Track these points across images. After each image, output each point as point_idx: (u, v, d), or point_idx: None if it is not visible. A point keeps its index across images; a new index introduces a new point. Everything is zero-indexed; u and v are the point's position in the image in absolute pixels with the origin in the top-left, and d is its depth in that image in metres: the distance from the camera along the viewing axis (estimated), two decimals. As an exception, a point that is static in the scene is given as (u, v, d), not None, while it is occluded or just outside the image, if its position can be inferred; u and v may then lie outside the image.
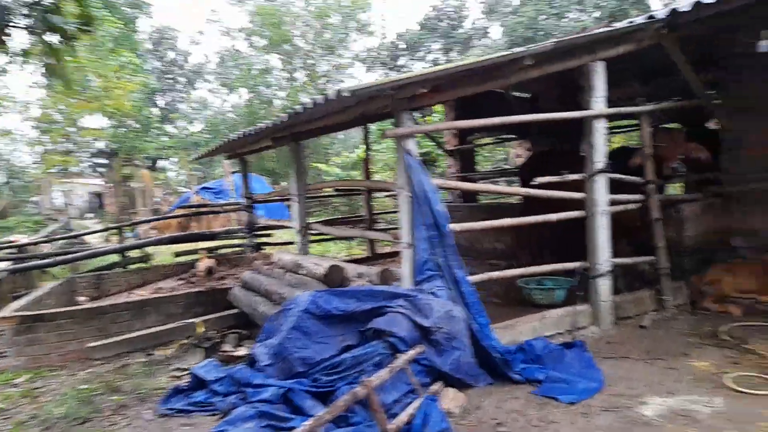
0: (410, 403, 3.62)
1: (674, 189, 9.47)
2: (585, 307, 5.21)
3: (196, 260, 7.80)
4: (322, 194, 13.50)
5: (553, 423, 3.49)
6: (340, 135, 26.61)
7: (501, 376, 4.16)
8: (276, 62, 26.06)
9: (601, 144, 4.98)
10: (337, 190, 10.71)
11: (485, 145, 12.27)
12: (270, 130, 5.15)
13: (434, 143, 10.64)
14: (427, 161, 15.36)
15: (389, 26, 51.93)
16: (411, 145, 4.25)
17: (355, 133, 21.15)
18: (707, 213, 6.03)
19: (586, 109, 4.94)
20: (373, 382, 3.39)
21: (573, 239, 5.62)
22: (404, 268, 4.43)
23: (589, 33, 4.61)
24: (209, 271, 7.24)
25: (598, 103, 4.93)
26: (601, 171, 5.01)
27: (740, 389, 3.72)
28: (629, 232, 6.03)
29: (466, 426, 3.56)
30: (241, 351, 5.08)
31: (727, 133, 6.02)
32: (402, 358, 3.71)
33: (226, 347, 5.30)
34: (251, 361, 4.14)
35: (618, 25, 4.94)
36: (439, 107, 11.50)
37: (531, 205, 6.22)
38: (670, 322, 5.31)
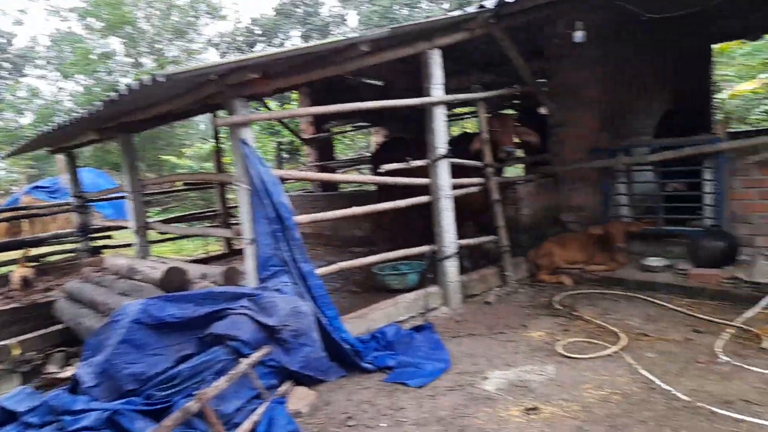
0: (255, 409, 3.42)
1: (517, 171, 10.17)
2: (435, 288, 5.35)
3: (10, 271, 6.82)
4: (176, 189, 12.59)
5: (402, 409, 3.50)
6: (201, 125, 25.10)
7: (354, 367, 4.10)
8: (118, 46, 23.84)
9: (441, 130, 5.10)
10: (186, 184, 10.03)
11: (346, 132, 12.25)
12: (88, 120, 4.57)
13: (290, 132, 10.35)
14: (291, 151, 15.05)
15: (243, 11, 49.94)
16: (246, 134, 3.99)
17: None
18: (540, 192, 6.50)
19: (426, 96, 5.02)
20: (207, 393, 3.14)
21: (430, 223, 5.80)
22: (248, 266, 4.19)
23: (424, 21, 4.66)
24: (25, 282, 6.35)
25: (437, 89, 5.03)
26: (443, 156, 5.14)
27: (569, 355, 4.02)
28: (474, 213, 6.31)
29: (315, 424, 3.44)
30: (69, 371, 4.50)
31: (553, 118, 6.51)
32: (244, 363, 3.48)
33: (51, 369, 4.67)
34: (74, 383, 3.66)
35: (452, 14, 5.06)
36: (295, 95, 11.22)
37: (385, 192, 6.24)
38: (511, 296, 5.64)
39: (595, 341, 4.22)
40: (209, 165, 15.76)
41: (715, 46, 9.27)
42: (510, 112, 7.59)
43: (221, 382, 3.29)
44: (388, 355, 4.18)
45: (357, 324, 4.68)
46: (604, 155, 6.08)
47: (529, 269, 6.14)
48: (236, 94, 3.93)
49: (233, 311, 3.76)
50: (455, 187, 5.42)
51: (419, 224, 6.21)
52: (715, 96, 9.63)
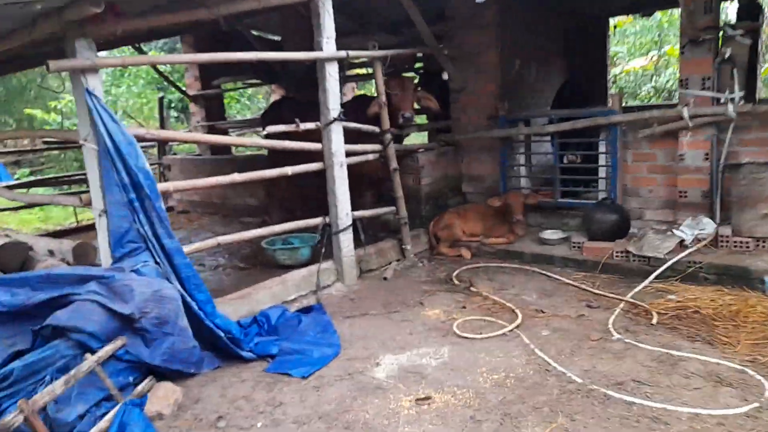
0: (105, 414, 2.88)
1: (422, 139, 9.92)
2: (329, 264, 4.96)
3: None
4: (44, 147, 11.11)
5: (282, 405, 3.11)
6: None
7: (232, 356, 3.64)
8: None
9: (333, 90, 4.63)
10: (47, 142, 8.82)
11: (237, 90, 11.34)
12: None
13: (173, 86, 9.37)
14: (184, 109, 13.85)
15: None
16: (94, 82, 3.29)
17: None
18: (441, 161, 6.25)
19: (317, 51, 4.50)
20: (37, 401, 2.55)
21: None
22: (100, 241, 3.54)
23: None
24: None
25: (329, 45, 4.53)
26: (336, 120, 4.68)
27: (465, 335, 3.80)
28: (374, 183, 5.95)
29: (179, 428, 2.96)
30: None
31: (454, 83, 6.24)
32: (90, 360, 2.90)
33: None
34: None
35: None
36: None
37: (278, 158, 5.69)
38: (410, 271, 5.38)
39: (492, 319, 4.04)
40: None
41: (611, 22, 9.45)
42: (412, 75, 7.22)
43: (57, 385, 2.70)
44: (272, 341, 3.75)
45: (239, 306, 4.20)
46: (504, 124, 5.91)
47: (430, 242, 5.91)
48: (80, 34, 3.21)
49: (79, 297, 3.14)
50: (350, 153, 5.02)
51: (316, 193, 5.79)
52: (609, 71, 9.89)
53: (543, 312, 4.14)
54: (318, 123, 4.73)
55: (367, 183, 5.95)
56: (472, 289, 4.70)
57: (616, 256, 4.82)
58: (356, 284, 5.01)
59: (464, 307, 4.35)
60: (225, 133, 9.24)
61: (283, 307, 4.13)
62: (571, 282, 4.68)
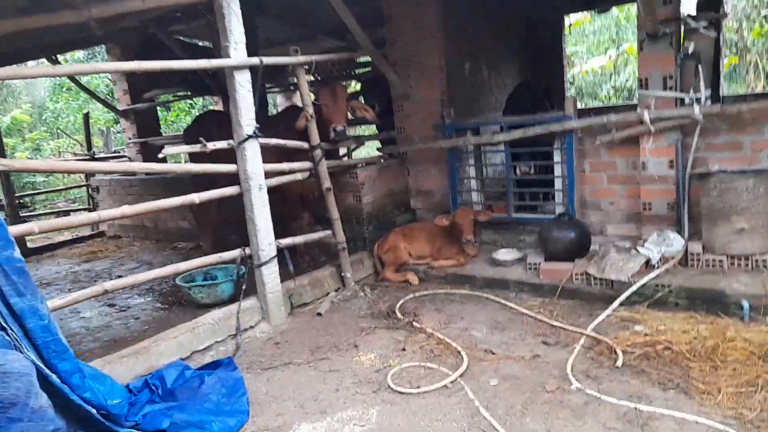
0: None
1: (371, 152, 9.33)
2: (252, 302, 4.31)
3: None
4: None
5: (160, 506, 2.44)
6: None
7: (114, 432, 2.96)
8: None
9: (246, 102, 3.99)
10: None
11: (170, 102, 10.55)
12: None
13: (100, 101, 8.59)
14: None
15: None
16: None
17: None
18: (384, 176, 5.65)
19: (223, 58, 3.86)
20: None
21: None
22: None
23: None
24: None
25: (239, 51, 3.89)
26: (251, 136, 4.04)
27: (400, 390, 3.19)
28: (310, 203, 5.33)
29: None
30: None
31: (396, 89, 5.66)
32: None
33: None
34: None
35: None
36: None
37: (204, 179, 5.00)
38: (350, 303, 4.76)
39: (434, 365, 3.45)
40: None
41: (567, 20, 9.02)
42: (348, 83, 6.63)
43: None
44: (164, 410, 3.07)
45: (135, 363, 3.53)
46: (450, 133, 5.35)
47: (374, 266, 5.30)
48: None
49: None
50: (273, 174, 4.38)
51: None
52: (567, 71, 9.46)
53: (493, 353, 3.56)
54: (231, 141, 4.08)
55: (303, 204, 5.32)
56: (415, 324, 4.10)
57: (576, 279, 4.28)
58: (285, 323, 4.36)
59: (404, 350, 3.74)
60: (160, 149, 8.46)
61: (182, 365, 3.45)
62: (526, 311, 4.11)
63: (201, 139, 3.88)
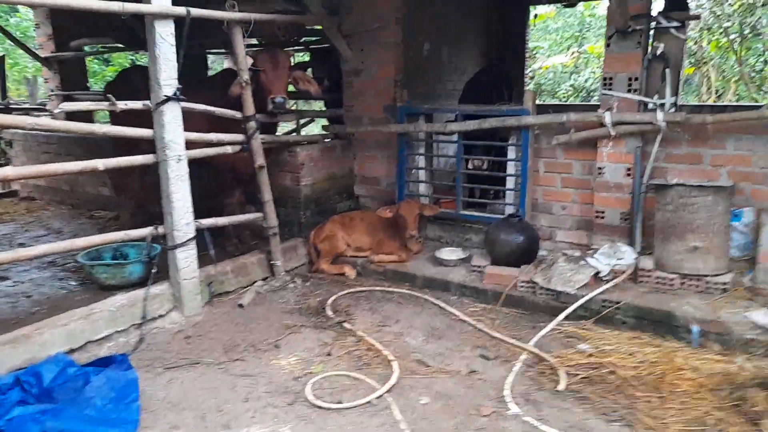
0: None
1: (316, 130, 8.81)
2: (164, 287, 3.81)
3: None
4: None
5: None
6: None
7: (-32, 440, 2.45)
8: None
9: (167, 59, 3.45)
10: None
11: (99, 54, 9.62)
12: None
13: (19, 45, 7.66)
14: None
15: None
16: None
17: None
18: (328, 158, 5.20)
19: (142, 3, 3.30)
20: None
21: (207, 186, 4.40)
22: None
23: None
24: None
25: (162, -5, 3.34)
26: (171, 98, 3.51)
27: (320, 404, 2.81)
28: (244, 179, 4.82)
29: None
30: None
31: (348, 64, 5.20)
32: None
33: None
34: None
35: None
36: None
37: (125, 142, 4.41)
38: (277, 294, 4.32)
39: (361, 376, 3.08)
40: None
41: (533, 11, 8.75)
42: (293, 50, 6.10)
43: None
44: (35, 414, 2.57)
45: (11, 354, 3.01)
46: (403, 117, 4.95)
47: (309, 255, 4.88)
48: None
49: None
50: (197, 144, 3.87)
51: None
52: (528, 65, 9.23)
53: (426, 365, 3.23)
54: (147, 102, 3.53)
55: (236, 180, 4.81)
56: (345, 325, 3.72)
57: (521, 287, 4.01)
58: (200, 314, 3.89)
59: (329, 354, 3.36)
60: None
61: (65, 360, 2.94)
62: (466, 319, 3.81)
63: (109, 96, 3.31)
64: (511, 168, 4.70)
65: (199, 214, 3.91)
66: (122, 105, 3.39)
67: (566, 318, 3.69)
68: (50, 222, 6.14)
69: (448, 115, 5.08)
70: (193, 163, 4.02)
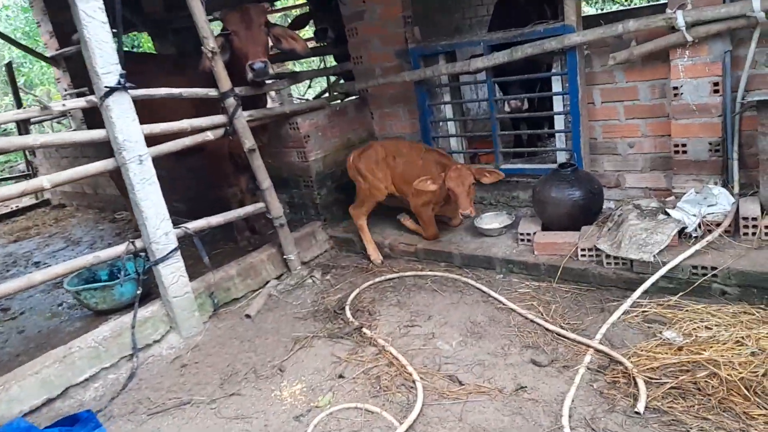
0: None
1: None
2: (155, 308, 3.31)
3: None
4: None
5: None
6: None
7: None
8: None
9: (101, 41, 2.80)
10: None
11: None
12: None
13: (20, 47, 7.36)
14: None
15: None
16: None
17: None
18: (338, 123, 4.44)
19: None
20: None
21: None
22: None
23: None
24: None
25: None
26: (116, 89, 2.88)
27: (318, 457, 2.20)
28: (247, 164, 4.19)
29: None
30: None
31: (348, 7, 4.34)
32: None
33: None
34: None
35: None
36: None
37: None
38: (291, 295, 3.74)
39: (376, 407, 2.43)
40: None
41: None
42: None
43: None
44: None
45: (-27, 415, 2.58)
46: (417, 61, 4.08)
47: (332, 240, 4.24)
48: None
49: None
50: (165, 137, 3.25)
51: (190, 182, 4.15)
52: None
53: (461, 383, 2.52)
54: (90, 98, 2.93)
55: (236, 165, 4.21)
56: (365, 331, 3.06)
57: (583, 256, 3.15)
58: (200, 333, 3.37)
59: (341, 377, 2.73)
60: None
61: (22, 425, 2.48)
62: (514, 307, 3.03)
63: (40, 99, 2.74)
64: (558, 104, 3.75)
65: (205, 209, 3.36)
66: (59, 106, 2.82)
67: (645, 293, 2.83)
68: (73, 231, 5.87)
69: (475, 50, 4.15)
70: (181, 155, 3.48)
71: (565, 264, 3.17)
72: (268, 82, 3.88)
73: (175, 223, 3.36)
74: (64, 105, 2.87)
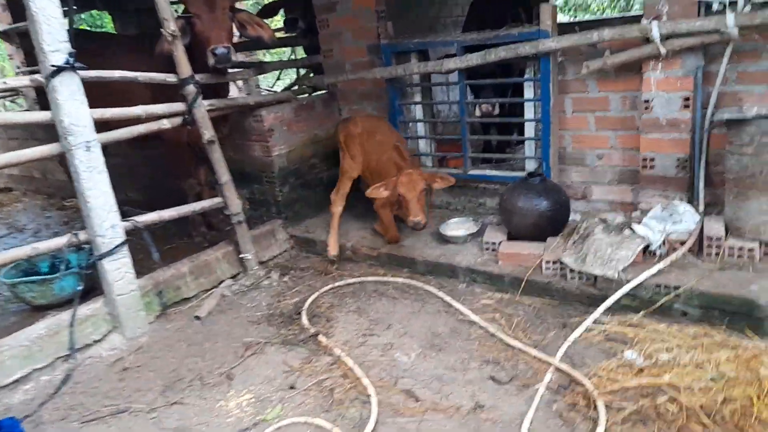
0: None
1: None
2: (98, 305, 3.10)
3: None
4: None
5: None
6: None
7: None
8: None
9: (50, 16, 2.59)
10: None
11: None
12: None
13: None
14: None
15: None
16: None
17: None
18: (305, 117, 4.28)
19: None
20: None
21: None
22: None
23: None
24: None
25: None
26: (65, 68, 2.67)
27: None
28: (206, 155, 4.00)
29: None
30: None
31: (318, -2, 4.19)
32: None
33: None
34: None
35: None
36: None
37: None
38: (246, 297, 3.57)
39: (326, 423, 2.30)
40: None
41: None
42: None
43: None
44: None
45: None
46: (389, 57, 3.95)
47: (292, 239, 4.08)
48: None
49: None
50: (115, 123, 3.05)
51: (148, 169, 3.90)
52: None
53: (417, 399, 2.41)
54: (37, 77, 2.71)
55: (195, 155, 4.01)
56: (321, 339, 2.93)
57: (547, 269, 3.09)
58: (146, 333, 3.18)
59: (292, 387, 2.59)
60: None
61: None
62: (475, 319, 2.94)
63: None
64: (529, 111, 3.68)
65: (163, 200, 3.17)
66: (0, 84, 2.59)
67: (607, 311, 2.78)
68: (18, 217, 5.55)
69: (448, 50, 4.05)
70: (139, 143, 3.28)
71: (529, 276, 3.10)
72: (231, 70, 3.70)
73: (128, 215, 3.18)
74: (5, 83, 2.64)
